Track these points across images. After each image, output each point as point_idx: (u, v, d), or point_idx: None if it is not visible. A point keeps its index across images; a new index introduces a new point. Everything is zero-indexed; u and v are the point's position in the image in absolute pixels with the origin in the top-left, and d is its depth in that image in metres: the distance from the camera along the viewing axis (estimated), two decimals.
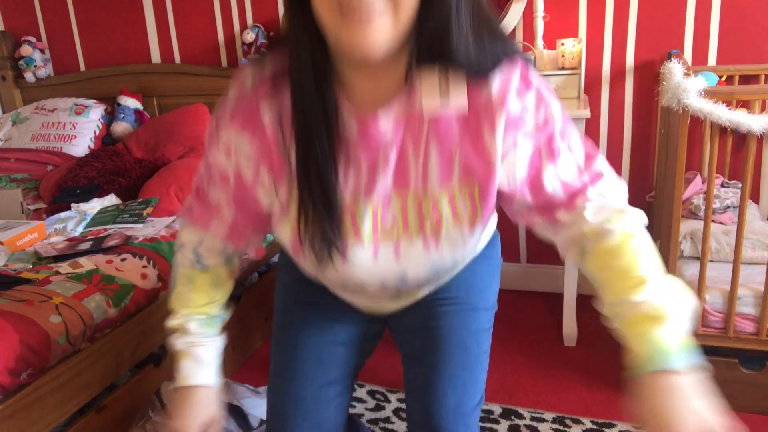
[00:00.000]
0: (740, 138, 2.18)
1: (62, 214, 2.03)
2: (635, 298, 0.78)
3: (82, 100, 2.80)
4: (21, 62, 2.92)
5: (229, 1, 2.63)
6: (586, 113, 1.98)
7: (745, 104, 2.11)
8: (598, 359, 2.06)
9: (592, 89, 2.32)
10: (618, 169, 2.38)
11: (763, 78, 2.11)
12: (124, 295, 1.54)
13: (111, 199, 2.14)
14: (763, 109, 2.12)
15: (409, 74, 0.81)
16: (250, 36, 2.54)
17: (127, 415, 1.60)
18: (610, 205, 0.86)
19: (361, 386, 1.95)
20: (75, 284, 1.49)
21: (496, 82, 0.80)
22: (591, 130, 2.34)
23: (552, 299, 2.50)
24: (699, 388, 0.73)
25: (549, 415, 1.77)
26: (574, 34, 2.28)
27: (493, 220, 1.07)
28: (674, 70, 1.63)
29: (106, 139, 2.77)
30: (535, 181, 0.87)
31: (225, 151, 0.89)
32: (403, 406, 1.85)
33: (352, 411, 1.76)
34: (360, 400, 1.88)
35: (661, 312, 0.76)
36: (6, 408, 1.26)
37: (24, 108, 2.88)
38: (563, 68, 2.19)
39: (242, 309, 2.13)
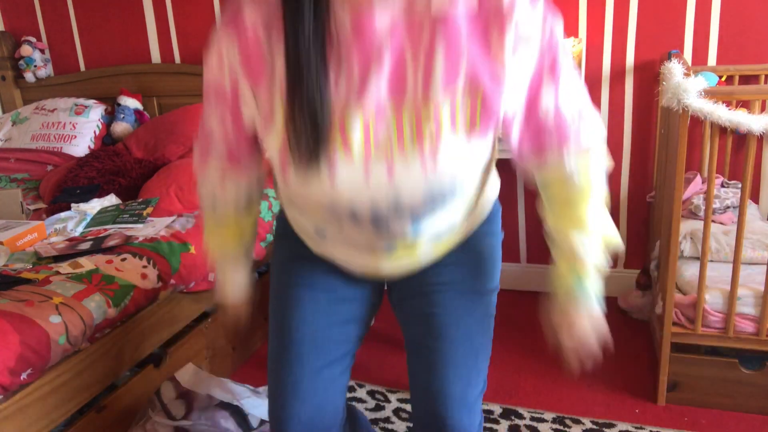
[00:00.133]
0: (740, 138, 2.18)
1: (62, 214, 2.03)
2: (573, 239, 0.95)
3: (82, 100, 2.80)
4: (21, 62, 2.92)
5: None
6: None
7: (745, 104, 2.11)
8: (598, 359, 2.06)
9: (592, 89, 2.32)
10: (618, 169, 2.38)
11: (763, 78, 2.12)
12: (124, 295, 1.54)
13: (111, 199, 2.14)
14: (763, 109, 2.12)
15: None
16: None
17: (127, 415, 1.60)
18: (584, 150, 0.92)
19: (361, 386, 1.95)
20: (75, 284, 1.49)
21: None
22: None
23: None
24: (597, 309, 0.99)
25: (549, 415, 1.78)
26: (574, 34, 2.28)
27: (495, 180, 1.05)
28: (674, 70, 1.63)
29: (106, 139, 2.77)
30: (533, 100, 0.87)
31: (218, 58, 0.88)
32: (403, 406, 1.85)
33: None
34: (360, 400, 1.88)
35: (586, 253, 0.95)
36: (6, 408, 1.26)
37: (24, 108, 2.88)
38: None
39: None
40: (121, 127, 2.72)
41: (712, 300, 1.68)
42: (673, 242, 1.67)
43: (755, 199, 2.25)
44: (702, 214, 1.96)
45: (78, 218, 1.99)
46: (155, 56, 2.81)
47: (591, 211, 0.95)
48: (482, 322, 1.06)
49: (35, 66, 2.92)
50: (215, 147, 0.98)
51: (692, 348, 1.76)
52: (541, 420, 1.76)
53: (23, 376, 1.28)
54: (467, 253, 1.06)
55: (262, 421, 1.64)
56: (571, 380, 1.94)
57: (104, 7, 2.81)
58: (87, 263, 1.61)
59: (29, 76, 2.94)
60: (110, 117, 2.79)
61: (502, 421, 1.76)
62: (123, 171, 2.28)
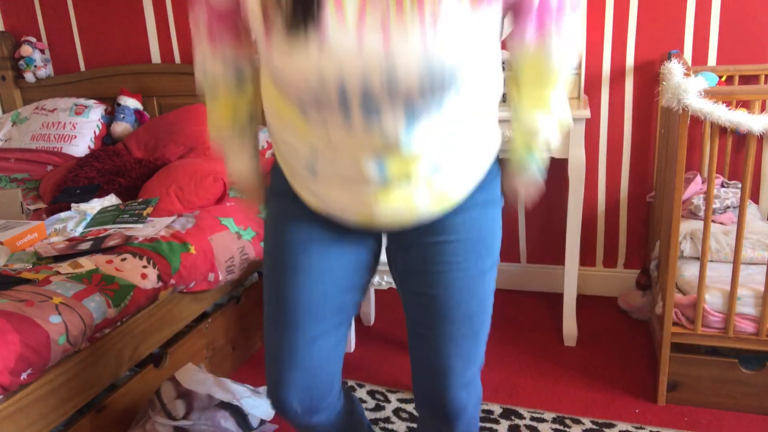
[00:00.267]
0: (740, 138, 2.18)
1: (62, 214, 2.03)
2: (534, 118, 1.03)
3: (82, 100, 2.80)
4: (21, 62, 2.92)
5: None
6: (586, 113, 1.98)
7: (745, 104, 2.11)
8: (598, 359, 2.06)
9: (592, 89, 2.32)
10: (618, 169, 2.38)
11: (763, 78, 2.12)
12: (124, 295, 1.54)
13: (111, 199, 2.14)
14: (763, 109, 2.12)
15: None
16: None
17: (127, 415, 1.60)
18: (563, 37, 0.96)
19: (361, 386, 1.95)
20: (75, 284, 1.49)
21: None
22: (591, 130, 2.34)
23: (552, 299, 2.50)
24: (539, 176, 1.10)
25: (549, 415, 1.78)
26: None
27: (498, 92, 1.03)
28: (674, 70, 1.63)
29: (106, 139, 2.77)
30: None
31: None
32: (403, 406, 1.85)
33: None
34: (360, 400, 1.88)
35: (542, 131, 1.04)
36: (6, 408, 1.26)
37: (24, 108, 2.88)
38: None
39: (242, 309, 2.13)
40: (121, 127, 2.72)
41: (712, 300, 1.68)
42: (673, 242, 1.67)
43: (755, 199, 2.25)
44: (702, 214, 1.96)
45: (78, 218, 1.99)
46: (155, 56, 2.81)
47: (555, 94, 1.03)
48: (483, 302, 1.06)
49: (35, 66, 2.92)
50: (201, 27, 1.00)
51: (692, 348, 1.76)
52: (541, 420, 1.76)
53: (23, 376, 1.28)
54: (468, 229, 1.02)
55: (262, 421, 1.64)
56: (571, 380, 1.94)
57: (104, 7, 2.82)
58: (87, 263, 1.61)
59: (29, 76, 2.94)
60: (110, 117, 2.79)
61: (502, 421, 1.76)
62: (123, 171, 2.28)
